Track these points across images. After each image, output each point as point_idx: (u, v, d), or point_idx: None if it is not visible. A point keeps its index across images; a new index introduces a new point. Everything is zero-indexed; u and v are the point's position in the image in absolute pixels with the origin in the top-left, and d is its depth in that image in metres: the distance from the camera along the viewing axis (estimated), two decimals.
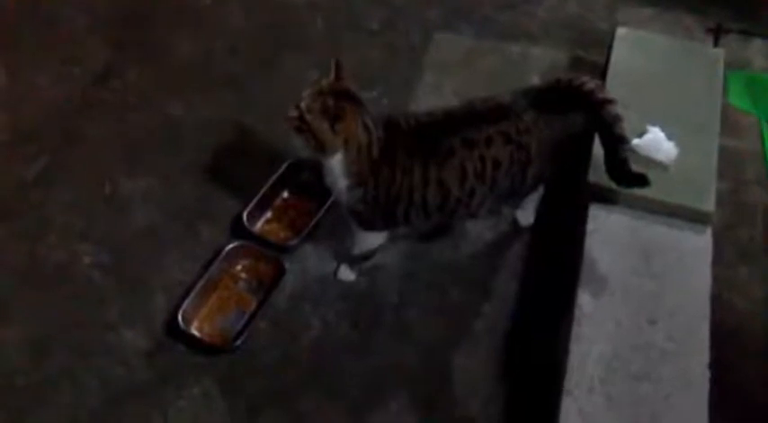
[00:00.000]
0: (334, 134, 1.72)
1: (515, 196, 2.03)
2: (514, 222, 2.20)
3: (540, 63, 2.63)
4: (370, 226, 1.92)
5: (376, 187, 1.79)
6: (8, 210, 2.23)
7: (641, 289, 1.79)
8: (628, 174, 1.80)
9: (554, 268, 2.03)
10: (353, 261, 2.07)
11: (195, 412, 1.86)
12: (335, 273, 2.08)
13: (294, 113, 1.73)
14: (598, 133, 1.84)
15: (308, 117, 1.71)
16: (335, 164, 1.76)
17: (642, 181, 1.77)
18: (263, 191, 2.19)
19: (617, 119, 1.77)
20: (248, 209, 2.15)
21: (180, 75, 2.57)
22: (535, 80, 2.56)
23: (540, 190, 2.09)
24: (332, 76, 1.77)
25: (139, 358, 1.95)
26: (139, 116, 2.46)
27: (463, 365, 1.95)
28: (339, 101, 1.71)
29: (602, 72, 2.28)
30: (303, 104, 1.72)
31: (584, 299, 1.76)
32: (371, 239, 1.98)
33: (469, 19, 2.77)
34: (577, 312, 1.74)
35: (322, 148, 1.74)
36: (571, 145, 1.94)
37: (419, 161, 1.78)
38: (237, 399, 1.88)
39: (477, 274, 2.11)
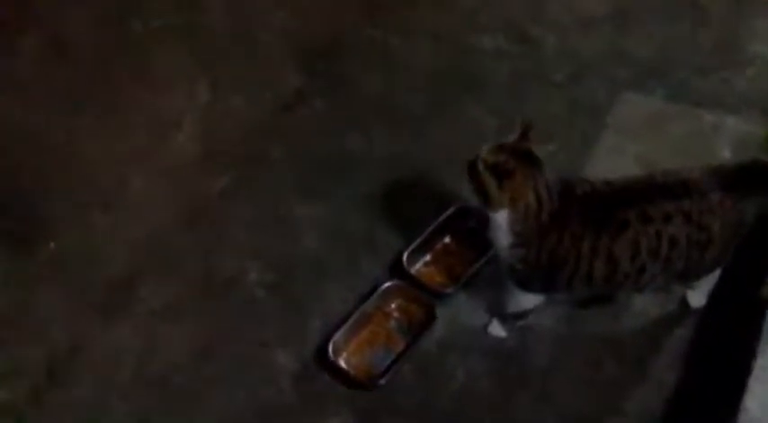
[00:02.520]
0: (501, 191, 1.71)
1: (689, 278, 1.92)
2: (684, 302, 2.08)
3: (733, 135, 2.48)
4: (527, 287, 1.89)
5: (540, 250, 1.76)
6: (192, 220, 2.39)
7: None
8: None
9: (723, 360, 1.89)
10: (506, 318, 2.03)
11: None
12: (486, 326, 2.06)
13: (471, 158, 1.74)
14: None
15: (480, 167, 1.72)
16: (501, 220, 1.75)
17: None
18: (426, 233, 2.21)
19: None
20: (410, 249, 2.18)
21: (363, 108, 2.65)
22: (726, 153, 2.42)
23: (717, 272, 1.96)
24: (518, 134, 1.76)
25: (287, 380, 2.02)
26: (319, 144, 2.56)
27: None
28: (512, 159, 1.69)
29: None
30: (481, 154, 1.73)
31: (752, 401, 1.63)
32: (527, 300, 1.94)
33: (662, 81, 2.66)
34: (743, 417, 1.61)
35: (487, 202, 1.74)
36: (760, 232, 1.81)
37: (591, 230, 1.73)
38: None
39: (637, 351, 2.02)
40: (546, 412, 1.92)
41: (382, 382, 1.96)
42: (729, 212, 1.74)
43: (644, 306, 2.09)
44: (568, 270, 1.78)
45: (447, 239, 2.26)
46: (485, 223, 1.85)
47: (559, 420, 1.90)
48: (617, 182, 1.79)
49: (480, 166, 1.73)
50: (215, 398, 1.99)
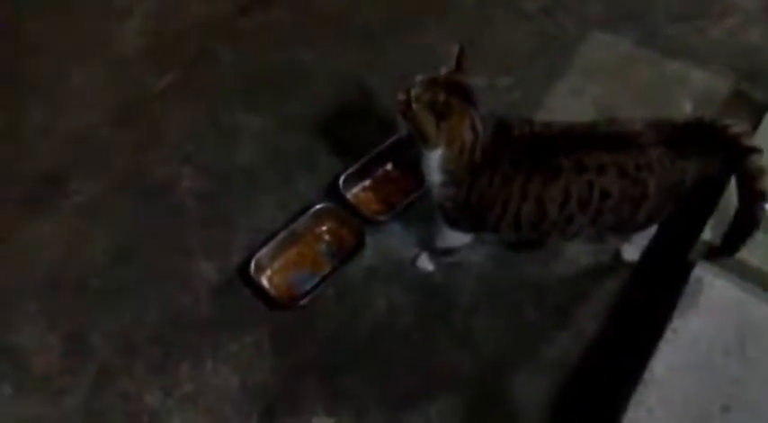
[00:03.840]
0: (438, 130, 1.63)
1: (621, 232, 1.89)
2: (617, 255, 2.05)
3: (696, 88, 2.41)
4: (456, 225, 1.84)
5: (470, 190, 1.70)
6: (129, 118, 2.31)
7: (726, 370, 1.62)
8: (747, 238, 1.63)
9: (645, 317, 1.87)
10: (435, 252, 2.00)
11: (243, 360, 1.88)
12: (415, 258, 2.02)
13: (402, 97, 1.65)
14: (737, 185, 1.66)
15: (415, 106, 1.63)
16: (434, 158, 1.68)
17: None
18: (367, 157, 2.15)
19: (761, 172, 1.59)
20: (347, 172, 2.11)
21: (321, 22, 2.54)
22: (687, 107, 2.36)
23: (653, 228, 1.93)
24: (452, 64, 1.67)
25: (206, 292, 1.99)
26: (271, 53, 2.45)
27: (519, 389, 1.85)
28: (450, 96, 1.61)
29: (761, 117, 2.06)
30: (414, 91, 1.63)
31: (658, 363, 1.62)
32: (455, 238, 1.90)
33: (636, 24, 2.56)
34: (647, 376, 1.60)
35: (423, 141, 1.66)
36: (697, 192, 1.76)
37: (522, 173, 1.67)
38: (285, 359, 1.89)
39: (561, 299, 1.99)
40: (463, 353, 1.90)
41: (302, 303, 1.93)
42: (668, 170, 1.68)
43: (576, 255, 2.06)
44: (497, 212, 1.72)
45: (389, 166, 2.20)
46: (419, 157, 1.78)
47: (474, 361, 1.89)
48: (558, 126, 1.71)
49: (415, 105, 1.64)
50: (129, 302, 1.96)
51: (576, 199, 1.68)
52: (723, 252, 1.73)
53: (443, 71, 1.67)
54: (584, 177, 1.66)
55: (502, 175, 1.67)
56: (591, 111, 2.31)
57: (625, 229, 1.86)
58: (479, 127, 1.65)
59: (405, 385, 1.86)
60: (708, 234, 1.75)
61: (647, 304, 1.94)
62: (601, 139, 1.69)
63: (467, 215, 1.77)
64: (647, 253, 2.00)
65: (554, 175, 1.66)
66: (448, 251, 1.97)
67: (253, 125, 2.29)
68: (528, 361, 1.91)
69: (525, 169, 1.66)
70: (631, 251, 2.03)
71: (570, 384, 1.85)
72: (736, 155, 1.61)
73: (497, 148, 1.67)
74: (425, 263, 2.01)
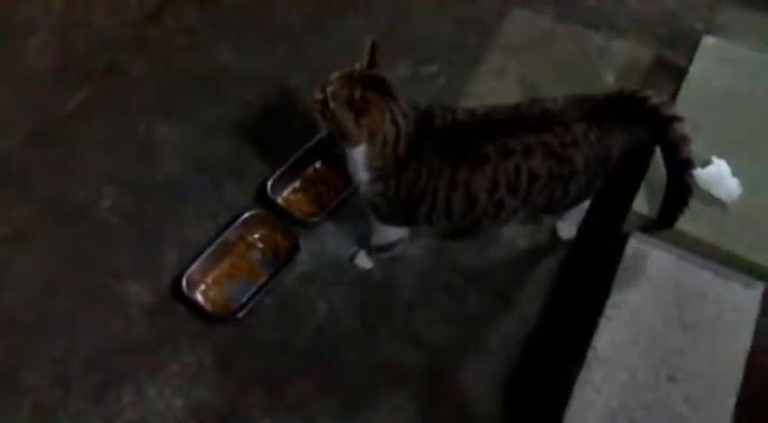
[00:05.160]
0: (359, 127, 1.59)
1: (553, 211, 1.88)
2: (553, 233, 2.05)
3: (619, 59, 2.42)
4: (388, 220, 1.81)
5: (398, 184, 1.67)
6: (43, 137, 2.21)
7: (668, 340, 1.63)
8: (682, 208, 1.64)
9: (586, 294, 1.87)
10: (372, 249, 1.96)
11: (185, 379, 1.82)
12: (353, 257, 1.99)
13: (319, 97, 1.60)
14: (662, 155, 1.66)
15: (332, 105, 1.58)
16: (358, 155, 1.64)
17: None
18: (294, 158, 2.10)
19: (684, 140, 1.59)
20: (275, 176, 2.06)
21: (235, 21, 2.47)
22: (610, 78, 2.36)
23: (586, 204, 1.93)
24: (365, 60, 1.62)
25: (140, 314, 1.92)
26: (187, 59, 2.38)
27: (467, 378, 1.84)
28: (367, 92, 1.56)
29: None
30: (329, 89, 1.59)
31: (601, 341, 1.62)
32: (390, 233, 1.87)
33: None
34: (590, 354, 1.60)
35: (345, 139, 1.62)
36: (624, 164, 1.76)
37: (448, 163, 1.64)
38: (229, 374, 1.83)
39: (501, 284, 1.98)
40: (408, 347, 1.87)
41: (240, 316, 1.87)
42: (594, 146, 1.67)
43: (513, 237, 2.05)
44: (427, 204, 1.69)
45: (317, 165, 2.15)
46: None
47: (421, 355, 1.86)
48: (480, 111, 1.68)
49: (332, 103, 1.59)
50: (60, 333, 1.88)
51: (504, 184, 1.66)
52: (661, 225, 1.73)
53: (357, 67, 1.62)
54: (511, 161, 1.64)
55: (429, 167, 1.64)
56: (515, 91, 2.31)
57: (556, 208, 1.85)
58: (401, 119, 1.61)
59: (353, 387, 1.83)
60: (640, 205, 1.75)
61: (587, 281, 1.94)
62: (524, 121, 1.67)
63: (398, 209, 1.73)
64: (582, 229, 2.00)
65: (481, 163, 1.63)
66: (385, 247, 1.93)
67: (173, 135, 2.22)
68: (473, 349, 1.89)
69: (451, 159, 1.64)
70: (567, 229, 2.03)
71: (517, 369, 1.85)
72: (658, 125, 1.61)
73: (421, 139, 1.64)
74: (363, 261, 1.98)
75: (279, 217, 2.03)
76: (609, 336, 1.62)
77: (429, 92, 2.29)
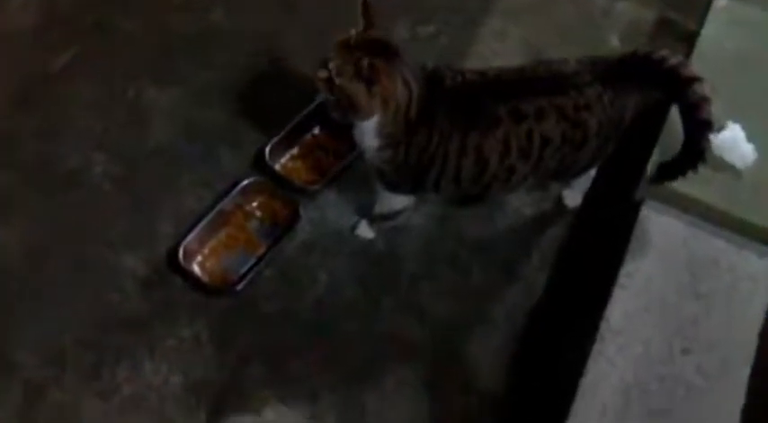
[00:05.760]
0: (371, 97, 1.50)
1: (563, 177, 1.82)
2: (559, 201, 1.99)
3: (622, 20, 2.35)
4: (395, 188, 1.75)
5: (408, 150, 1.60)
6: (28, 101, 2.11)
7: (681, 311, 1.59)
8: (689, 170, 1.59)
9: (594, 264, 1.82)
10: (375, 219, 1.90)
11: (182, 354, 1.76)
12: (354, 227, 1.92)
13: (323, 75, 1.52)
14: (681, 117, 1.60)
15: (339, 81, 1.50)
16: (368, 124, 1.57)
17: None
18: (292, 123, 2.02)
19: (704, 100, 1.53)
20: (273, 142, 1.99)
21: None
22: (614, 41, 2.30)
23: (593, 172, 1.87)
24: (360, 23, 1.53)
25: (135, 286, 1.85)
26: (179, 17, 2.27)
27: (472, 352, 1.80)
28: (373, 58, 1.48)
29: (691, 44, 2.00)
30: (332, 65, 1.50)
31: (613, 312, 1.58)
32: (395, 201, 1.81)
33: None
34: (603, 326, 1.56)
35: (357, 113, 1.54)
36: (637, 127, 1.70)
37: (459, 127, 1.57)
38: (227, 348, 1.78)
39: (507, 254, 1.93)
40: (411, 319, 1.83)
41: (239, 287, 1.81)
42: (607, 109, 1.61)
43: (518, 205, 2.00)
44: (436, 170, 1.63)
45: (316, 130, 2.07)
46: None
47: (424, 327, 1.82)
48: (490, 72, 1.62)
49: (338, 80, 1.49)
50: (52, 305, 1.81)
51: (516, 149, 1.60)
52: (660, 177, 1.67)
53: (353, 32, 1.53)
54: (524, 126, 1.58)
55: (439, 131, 1.58)
56: (519, 53, 2.24)
57: (567, 174, 1.81)
58: (412, 82, 1.54)
59: (356, 360, 1.78)
60: (652, 169, 1.70)
61: (594, 249, 1.90)
62: (537, 83, 1.61)
63: (406, 176, 1.67)
64: (591, 196, 1.95)
65: (492, 126, 1.57)
66: (389, 216, 1.87)
67: (165, 99, 2.13)
68: (479, 321, 1.85)
69: (462, 122, 1.57)
70: (573, 197, 1.98)
71: (523, 341, 1.80)
72: (676, 86, 1.56)
73: (431, 102, 1.57)
74: (365, 231, 1.92)
75: (277, 185, 1.95)
76: (622, 306, 1.58)
77: (429, 53, 2.21)
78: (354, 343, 1.80)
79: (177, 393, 1.71)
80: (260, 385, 1.73)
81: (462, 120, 1.58)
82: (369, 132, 1.58)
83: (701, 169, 1.60)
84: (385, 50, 1.51)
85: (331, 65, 1.50)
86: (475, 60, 2.21)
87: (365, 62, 1.46)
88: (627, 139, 1.71)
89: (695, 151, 1.58)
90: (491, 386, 1.74)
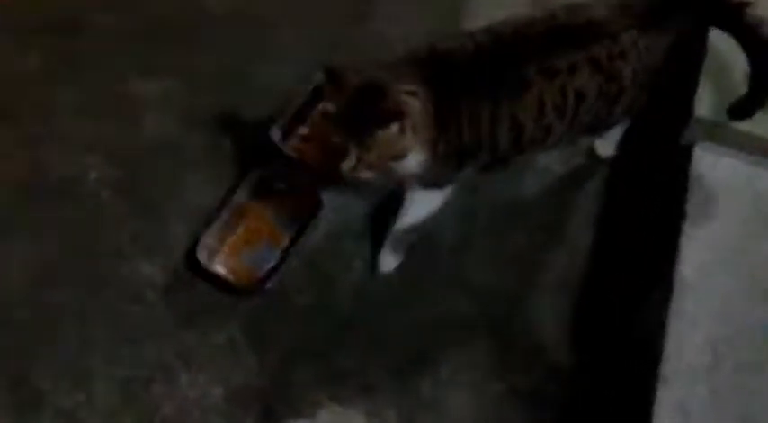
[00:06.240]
0: (403, 135, 1.38)
1: (595, 132, 1.71)
2: (591, 153, 1.88)
3: None
4: (434, 184, 1.60)
5: (436, 150, 1.46)
6: (7, 108, 1.92)
7: (758, 255, 1.49)
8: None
9: (641, 214, 1.72)
10: (397, 238, 1.71)
11: (219, 362, 1.62)
12: (373, 267, 1.73)
13: (351, 163, 1.38)
14: (742, 46, 1.50)
15: (369, 156, 1.37)
16: (412, 161, 1.44)
17: None
18: (299, 102, 1.87)
19: (761, 20, 1.45)
20: (281, 123, 1.84)
21: None
22: None
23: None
24: (329, 90, 1.42)
25: (156, 294, 1.70)
26: (160, 3, 2.09)
27: (527, 325, 1.69)
28: (380, 102, 1.35)
29: None
30: (353, 149, 1.36)
31: (685, 267, 1.47)
32: (430, 200, 1.63)
33: None
34: (678, 284, 1.45)
35: (399, 159, 1.42)
36: (676, 69, 1.59)
37: (487, 101, 1.45)
38: (266, 350, 1.64)
39: (545, 216, 1.82)
40: (458, 296, 1.71)
41: (269, 285, 1.67)
42: (643, 55, 1.50)
43: (548, 162, 1.89)
44: (472, 148, 1.51)
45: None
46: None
47: (474, 304, 1.69)
48: (506, 29, 1.47)
49: (368, 155, 1.37)
50: (71, 327, 1.65)
51: (551, 108, 1.48)
52: (738, 114, 1.57)
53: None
54: (557, 82, 1.46)
55: (468, 115, 1.45)
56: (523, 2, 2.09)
57: (601, 128, 1.70)
58: (415, 89, 1.41)
59: (406, 346, 1.66)
60: (702, 110, 1.59)
61: (638, 200, 1.80)
62: (564, 33, 1.48)
63: (445, 168, 1.54)
64: (627, 144, 1.84)
65: (522, 90, 1.45)
66: (415, 226, 1.69)
67: (155, 91, 1.96)
68: (530, 288, 1.74)
69: (488, 96, 1.45)
70: (606, 146, 1.87)
71: (582, 304, 1.69)
72: (729, 15, 1.47)
73: (447, 86, 1.43)
74: (389, 261, 1.72)
75: (293, 170, 1.80)
76: (692, 257, 1.48)
77: (427, 12, 2.07)
78: (400, 327, 1.68)
79: (220, 405, 1.58)
80: (308, 386, 1.60)
81: (488, 93, 1.46)
82: (410, 164, 1.45)
83: None
84: (377, 92, 1.37)
85: (351, 149, 1.36)
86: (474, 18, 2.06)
87: (389, 104, 1.35)
88: (667, 81, 1.59)
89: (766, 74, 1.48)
90: (557, 358, 1.64)
